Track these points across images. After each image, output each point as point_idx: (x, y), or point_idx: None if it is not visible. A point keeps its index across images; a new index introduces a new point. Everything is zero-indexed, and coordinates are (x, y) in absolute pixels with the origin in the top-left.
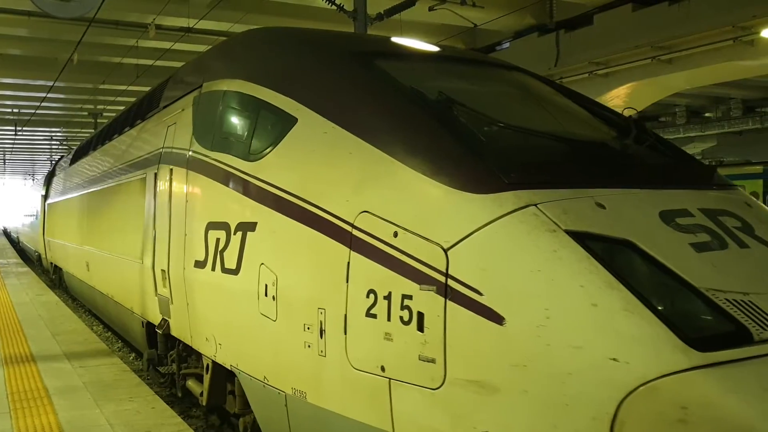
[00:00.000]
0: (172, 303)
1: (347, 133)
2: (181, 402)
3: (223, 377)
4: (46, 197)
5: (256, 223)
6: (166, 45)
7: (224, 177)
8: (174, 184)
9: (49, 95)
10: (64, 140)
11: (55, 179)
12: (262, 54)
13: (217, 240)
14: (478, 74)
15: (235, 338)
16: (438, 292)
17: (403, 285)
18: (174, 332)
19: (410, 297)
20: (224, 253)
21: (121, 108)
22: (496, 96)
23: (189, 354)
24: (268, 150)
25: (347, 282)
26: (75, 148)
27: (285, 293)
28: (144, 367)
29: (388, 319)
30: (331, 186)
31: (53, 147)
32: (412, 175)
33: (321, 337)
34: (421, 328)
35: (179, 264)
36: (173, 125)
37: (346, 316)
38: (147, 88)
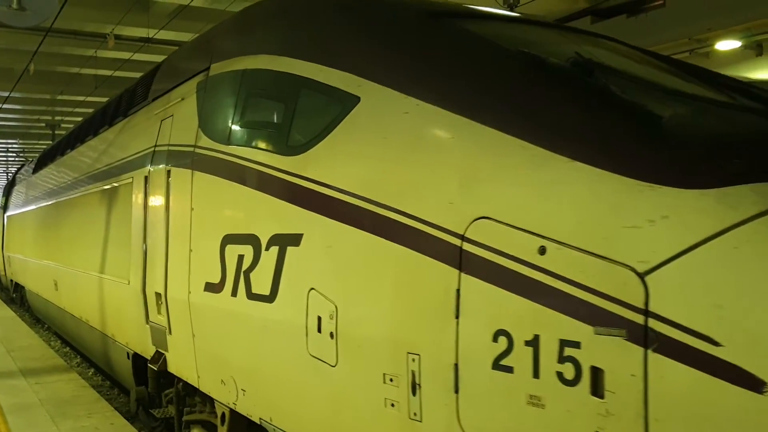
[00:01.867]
0: (170, 333)
1: (444, 111)
2: (140, 419)
3: (246, 430)
4: (4, 209)
5: (300, 236)
6: (126, 55)
7: (250, 177)
8: (172, 188)
9: (5, 106)
10: (21, 152)
11: (15, 189)
12: (297, 21)
13: (240, 257)
14: (584, 41)
15: (267, 385)
16: (632, 339)
17: (563, 326)
18: (173, 369)
19: (576, 344)
20: (251, 275)
21: (80, 119)
22: (629, 65)
23: (190, 394)
24: (315, 140)
25: (457, 317)
26: (38, 155)
27: (351, 330)
28: (132, 408)
29: (535, 375)
30: (422, 183)
31: (9, 159)
32: (567, 163)
33: (413, 393)
34: (598, 391)
35: (181, 286)
36: (168, 119)
37: (457, 366)
38: (105, 99)
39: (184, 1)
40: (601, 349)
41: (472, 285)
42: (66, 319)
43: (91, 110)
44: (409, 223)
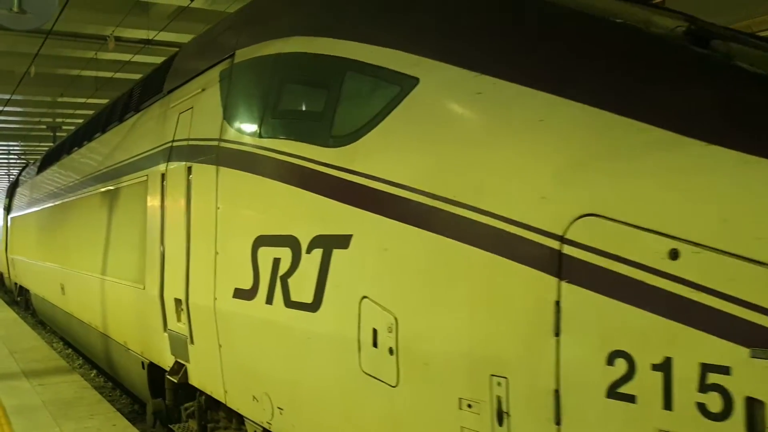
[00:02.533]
0: (191, 343)
1: (530, 89)
2: (143, 420)
3: None
4: (8, 211)
5: (349, 237)
6: (126, 57)
7: (286, 172)
8: (194, 186)
9: (6, 108)
10: (22, 154)
11: (19, 190)
12: None
13: (276, 261)
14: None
15: (310, 404)
16: None
17: (705, 347)
18: (195, 381)
19: (725, 370)
20: (289, 280)
21: (81, 121)
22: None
23: (213, 408)
24: (365, 129)
25: (557, 334)
26: (39, 158)
27: (416, 346)
28: (149, 421)
29: (667, 407)
30: (504, 175)
31: (11, 161)
32: (702, 148)
33: (500, 423)
34: (756, 428)
35: (205, 292)
36: (187, 112)
37: (557, 392)
38: (106, 101)
39: (183, 2)
40: (760, 376)
41: (578, 296)
42: (73, 325)
43: (92, 112)
44: (488, 223)
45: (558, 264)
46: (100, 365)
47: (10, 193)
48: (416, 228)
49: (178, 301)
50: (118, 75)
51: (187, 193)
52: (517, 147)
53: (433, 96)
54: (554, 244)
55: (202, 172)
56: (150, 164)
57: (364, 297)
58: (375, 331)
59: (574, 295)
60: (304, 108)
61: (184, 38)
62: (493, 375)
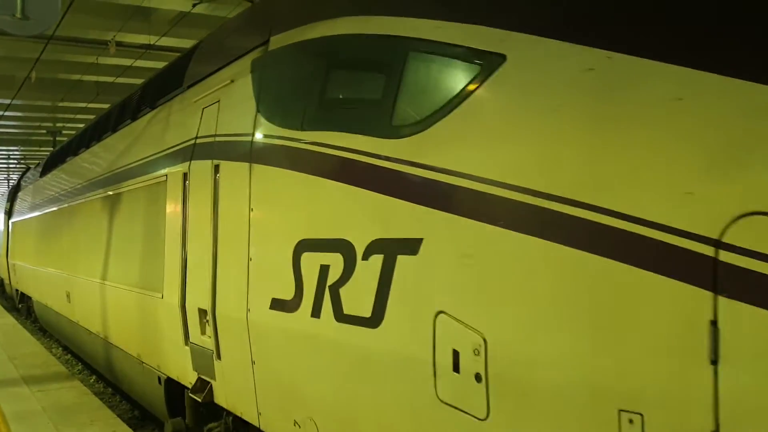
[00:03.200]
0: (218, 358)
1: (662, 64)
2: (143, 426)
3: None
4: (9, 215)
5: (418, 241)
6: (127, 62)
7: (337, 167)
8: (222, 185)
9: (6, 113)
10: (22, 159)
11: (21, 194)
12: None
13: (324, 269)
14: None
15: None
16: None
17: None
18: (222, 401)
19: None
20: (341, 290)
21: (81, 126)
22: None
23: (241, 430)
24: (436, 116)
25: (714, 362)
26: (39, 162)
27: (512, 372)
28: None
29: None
30: (632, 167)
31: (11, 166)
32: None
33: None
34: None
35: (236, 302)
36: (212, 106)
37: None
38: (107, 106)
39: (185, 8)
40: None
41: (741, 314)
42: (80, 335)
43: (92, 117)
44: (613, 225)
45: (713, 274)
46: (110, 378)
47: (12, 197)
48: (511, 231)
49: (202, 312)
50: (120, 80)
51: (214, 193)
52: (649, 132)
53: (526, 75)
54: (707, 251)
55: (232, 170)
56: (170, 163)
57: (440, 312)
58: (456, 353)
59: (735, 312)
60: (357, 96)
61: (186, 44)
62: (622, 411)
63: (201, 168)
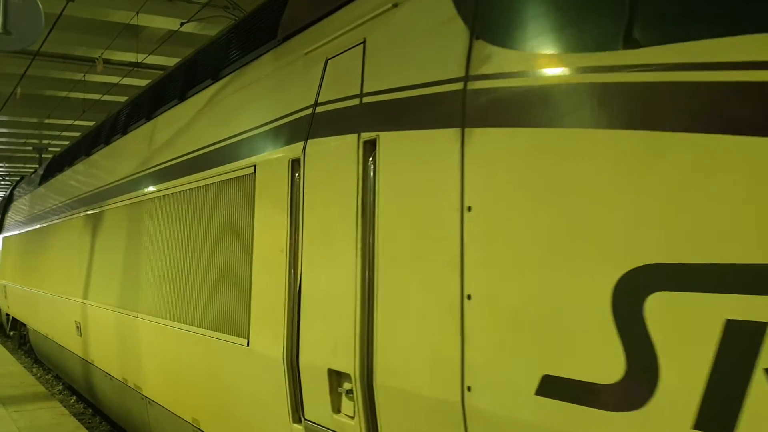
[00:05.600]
0: None
1: None
2: None
3: None
4: None
5: None
6: (115, 79)
7: (751, 108)
8: (384, 171)
9: None
10: (6, 176)
11: (14, 206)
12: None
13: (729, 328)
14: None
15: None
16: None
17: None
18: None
19: None
20: None
21: (67, 143)
22: None
23: None
24: None
25: None
26: (46, 162)
27: None
28: None
29: None
30: None
31: None
32: None
33: None
34: None
35: (433, 370)
36: (350, 51)
37: None
38: (93, 123)
39: (173, 26)
40: None
41: None
42: (94, 378)
43: (78, 134)
44: None
45: None
46: None
47: (2, 209)
48: None
49: (335, 376)
50: (106, 97)
51: (362, 185)
52: None
53: None
54: None
55: (413, 144)
56: (261, 148)
57: None
58: None
59: None
60: None
61: (173, 62)
62: None
63: (331, 148)
